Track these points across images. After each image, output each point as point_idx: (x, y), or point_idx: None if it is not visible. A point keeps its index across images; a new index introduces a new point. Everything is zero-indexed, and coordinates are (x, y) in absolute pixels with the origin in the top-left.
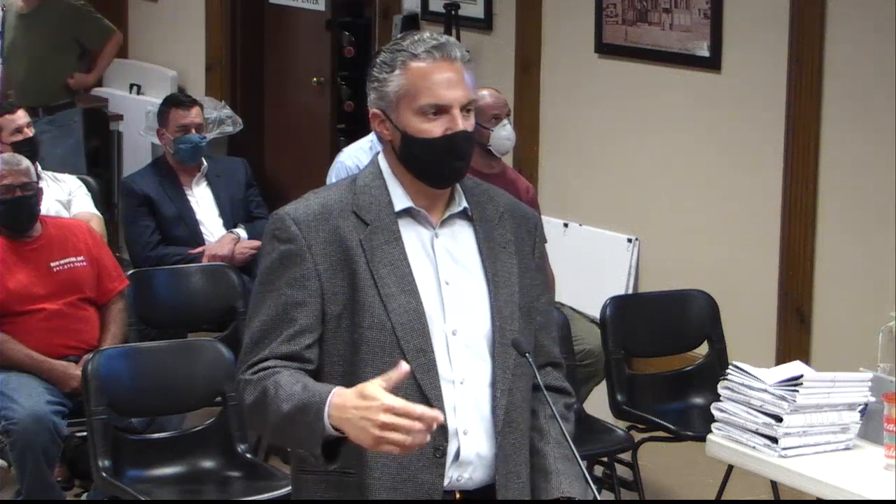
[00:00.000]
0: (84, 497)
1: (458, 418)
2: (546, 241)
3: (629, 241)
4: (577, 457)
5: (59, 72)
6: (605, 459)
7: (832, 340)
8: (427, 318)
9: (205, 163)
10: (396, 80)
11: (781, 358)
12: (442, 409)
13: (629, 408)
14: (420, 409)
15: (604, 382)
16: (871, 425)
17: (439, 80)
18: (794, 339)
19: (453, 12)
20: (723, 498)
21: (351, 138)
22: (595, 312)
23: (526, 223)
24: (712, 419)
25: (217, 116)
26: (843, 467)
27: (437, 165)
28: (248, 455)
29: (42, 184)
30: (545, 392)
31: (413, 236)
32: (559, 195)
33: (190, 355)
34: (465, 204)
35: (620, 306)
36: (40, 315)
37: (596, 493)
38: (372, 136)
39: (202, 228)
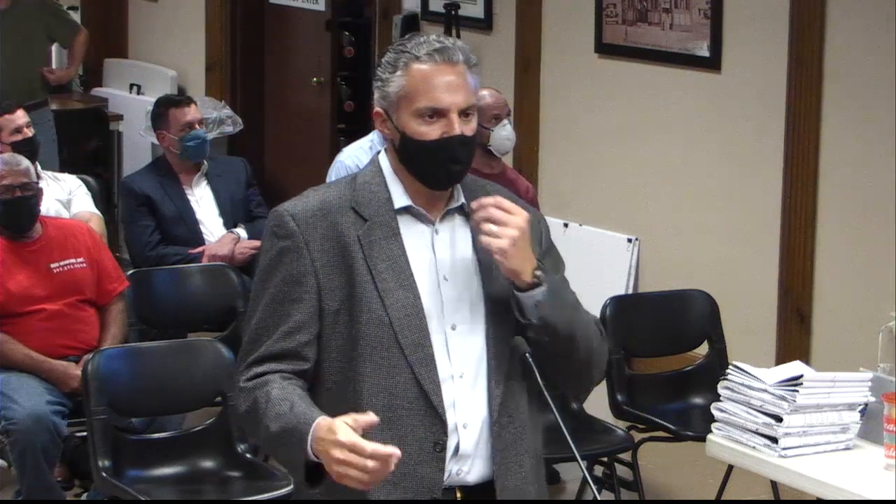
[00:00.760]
0: (84, 497)
1: (457, 413)
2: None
3: (629, 241)
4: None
5: (34, 69)
6: (605, 459)
7: (832, 340)
8: (426, 314)
9: (205, 162)
10: (398, 80)
11: (781, 358)
12: (440, 403)
13: (629, 408)
14: (371, 447)
15: (604, 382)
16: (871, 425)
17: (439, 83)
18: (794, 339)
19: (453, 12)
20: (723, 498)
21: (351, 138)
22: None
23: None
24: (712, 419)
25: (217, 116)
26: (843, 467)
27: (432, 168)
28: (248, 455)
29: (42, 183)
30: (546, 393)
31: (412, 232)
32: (559, 195)
33: (190, 355)
34: (462, 200)
35: (620, 306)
36: (40, 316)
37: (596, 493)
38: (372, 136)
39: (202, 228)
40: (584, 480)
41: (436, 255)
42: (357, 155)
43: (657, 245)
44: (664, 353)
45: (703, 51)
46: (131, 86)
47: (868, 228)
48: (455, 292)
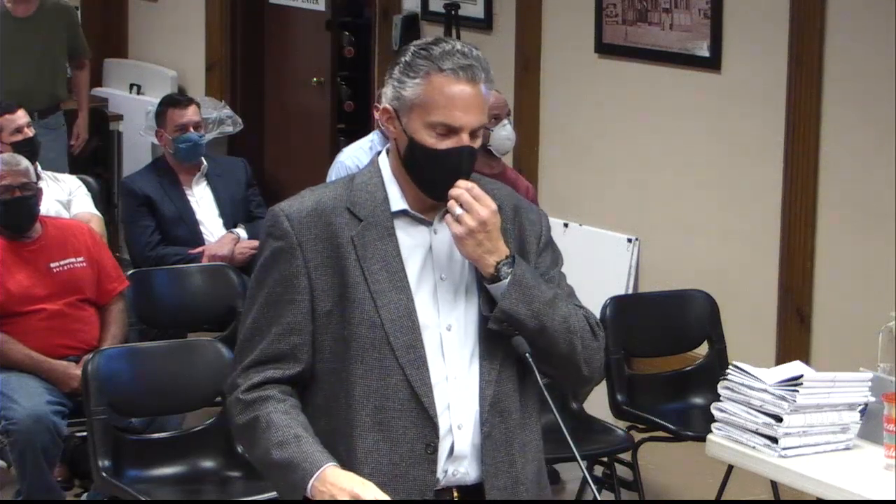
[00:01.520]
0: (84, 497)
1: (452, 414)
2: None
3: (629, 241)
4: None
5: (61, 74)
6: (605, 459)
7: (832, 340)
8: (421, 315)
9: (205, 162)
10: (416, 87)
11: (781, 358)
12: (432, 405)
13: (629, 408)
14: None
15: (604, 382)
16: (871, 425)
17: (458, 101)
18: (794, 339)
19: (453, 12)
20: (723, 498)
21: (351, 138)
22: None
23: (528, 213)
24: (712, 419)
25: (217, 116)
26: (843, 467)
27: (436, 177)
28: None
29: (42, 184)
30: (546, 393)
31: (409, 233)
32: (559, 195)
33: (190, 355)
34: None
35: (620, 306)
36: (40, 315)
37: (596, 493)
38: (372, 136)
39: (202, 228)
40: (584, 480)
41: (433, 255)
42: (357, 155)
43: (657, 245)
44: (664, 353)
45: (703, 51)
46: (131, 86)
47: (868, 228)
48: (451, 293)
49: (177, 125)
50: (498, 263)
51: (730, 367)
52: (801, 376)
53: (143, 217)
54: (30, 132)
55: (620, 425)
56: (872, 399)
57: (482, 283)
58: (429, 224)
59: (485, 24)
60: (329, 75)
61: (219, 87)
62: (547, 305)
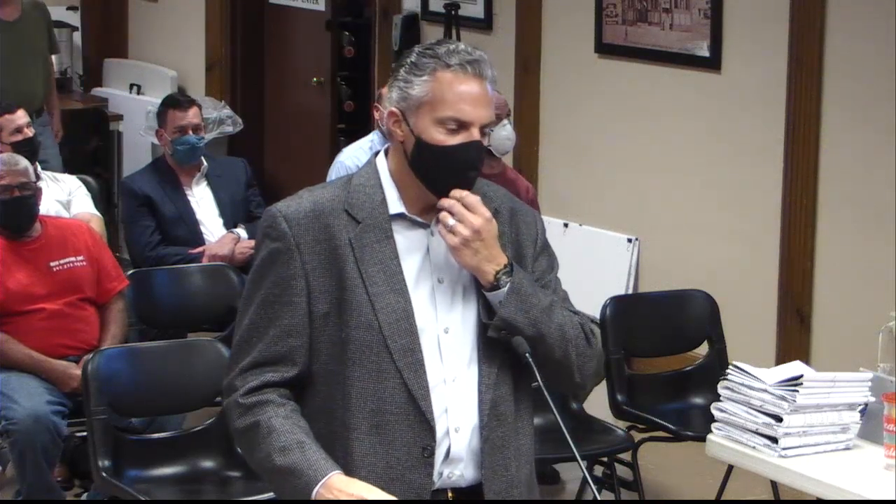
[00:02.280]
0: (84, 497)
1: (449, 416)
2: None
3: (629, 241)
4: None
5: (46, 74)
6: (605, 459)
7: (832, 340)
8: (419, 317)
9: (205, 163)
10: (423, 85)
11: (781, 358)
12: (429, 408)
13: (629, 408)
14: None
15: (604, 382)
16: (871, 425)
17: (466, 95)
18: (794, 339)
19: (453, 12)
20: (723, 498)
21: (351, 138)
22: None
23: (524, 216)
24: (712, 419)
25: (217, 116)
26: (843, 467)
27: (447, 174)
28: None
29: (41, 184)
30: (546, 392)
31: (406, 234)
32: (559, 195)
33: (190, 355)
34: None
35: (620, 306)
36: (40, 315)
37: (596, 493)
38: (372, 136)
39: (202, 228)
40: (584, 480)
41: (431, 257)
42: (357, 155)
43: (657, 245)
44: (664, 353)
45: (703, 51)
46: (131, 86)
47: (868, 228)
48: (449, 295)
49: (176, 126)
50: (497, 272)
51: (730, 367)
52: (801, 376)
53: (143, 217)
54: (29, 132)
55: (620, 425)
56: (872, 399)
57: (480, 289)
58: (426, 226)
59: (485, 24)
60: (329, 75)
61: (219, 87)
62: (544, 313)
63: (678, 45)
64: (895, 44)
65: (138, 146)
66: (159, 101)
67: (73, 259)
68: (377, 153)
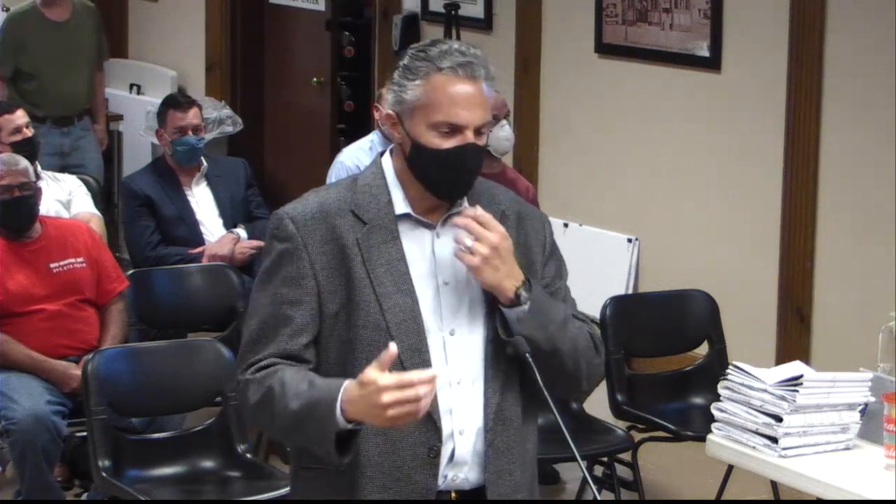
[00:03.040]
0: (84, 497)
1: (454, 419)
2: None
3: (629, 241)
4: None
5: (91, 79)
6: (605, 459)
7: (832, 340)
8: (424, 319)
9: (204, 163)
10: (416, 89)
11: (781, 358)
12: (436, 409)
13: (629, 408)
14: (414, 376)
15: (604, 382)
16: (871, 425)
17: (459, 99)
18: (794, 339)
19: (453, 12)
20: (723, 498)
21: (351, 138)
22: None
23: (532, 220)
24: (712, 419)
25: (217, 116)
26: (843, 467)
27: (443, 177)
28: (248, 455)
29: (42, 184)
30: (546, 393)
31: (412, 236)
32: (559, 195)
33: (190, 355)
34: (465, 204)
35: (620, 306)
36: (40, 315)
37: (596, 493)
38: (372, 137)
39: (202, 228)
40: (584, 480)
41: (436, 259)
42: (357, 155)
43: (657, 245)
44: (664, 353)
45: (703, 51)
46: (131, 86)
47: (868, 228)
48: (454, 297)
49: (176, 127)
50: (517, 289)
51: (730, 367)
52: (801, 376)
53: (143, 217)
54: (28, 132)
55: (620, 425)
56: (872, 399)
57: (487, 297)
58: (431, 227)
59: (485, 24)
60: (329, 75)
61: (219, 87)
62: (560, 329)
63: (678, 45)
64: (895, 43)
65: (138, 146)
66: (159, 101)
67: (72, 260)
68: (382, 153)
